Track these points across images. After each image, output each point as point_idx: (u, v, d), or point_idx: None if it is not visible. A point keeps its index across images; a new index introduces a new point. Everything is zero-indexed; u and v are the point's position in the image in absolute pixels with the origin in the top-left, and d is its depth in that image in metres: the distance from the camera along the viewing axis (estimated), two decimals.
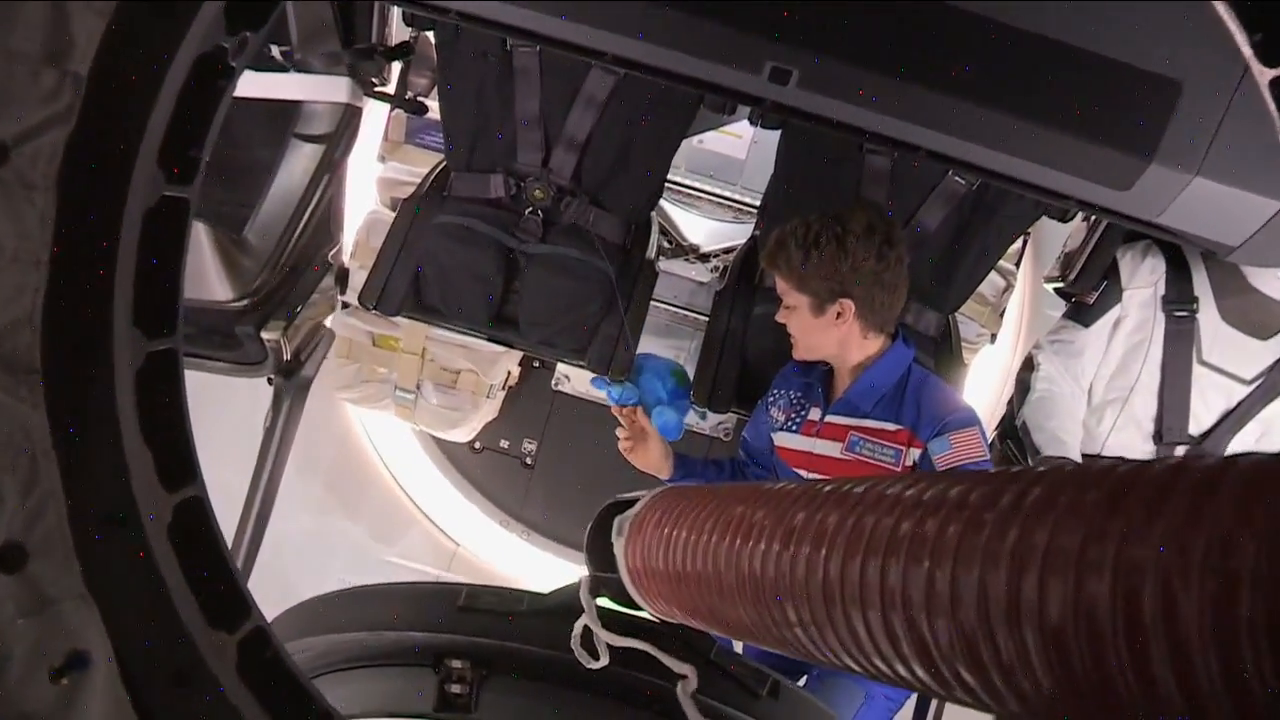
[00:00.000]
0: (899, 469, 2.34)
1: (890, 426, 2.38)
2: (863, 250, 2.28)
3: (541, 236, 2.85)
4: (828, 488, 0.89)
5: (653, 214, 3.10)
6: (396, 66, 2.97)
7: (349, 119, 2.64)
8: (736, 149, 4.08)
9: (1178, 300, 2.72)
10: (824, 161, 2.76)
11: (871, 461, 2.38)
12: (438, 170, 3.04)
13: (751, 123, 2.76)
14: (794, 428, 2.53)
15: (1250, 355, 2.73)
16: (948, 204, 2.73)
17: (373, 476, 4.62)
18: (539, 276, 2.83)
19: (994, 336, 3.99)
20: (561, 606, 1.47)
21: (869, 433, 2.39)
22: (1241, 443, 2.77)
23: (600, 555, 1.45)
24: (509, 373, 4.20)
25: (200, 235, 2.52)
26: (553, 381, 4.36)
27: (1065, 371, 2.80)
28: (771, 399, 2.64)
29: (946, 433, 2.29)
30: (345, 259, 3.18)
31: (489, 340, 3.08)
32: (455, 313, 2.96)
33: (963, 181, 2.69)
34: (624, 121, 2.74)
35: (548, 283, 2.83)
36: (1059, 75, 1.80)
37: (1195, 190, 1.84)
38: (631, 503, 1.41)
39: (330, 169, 2.64)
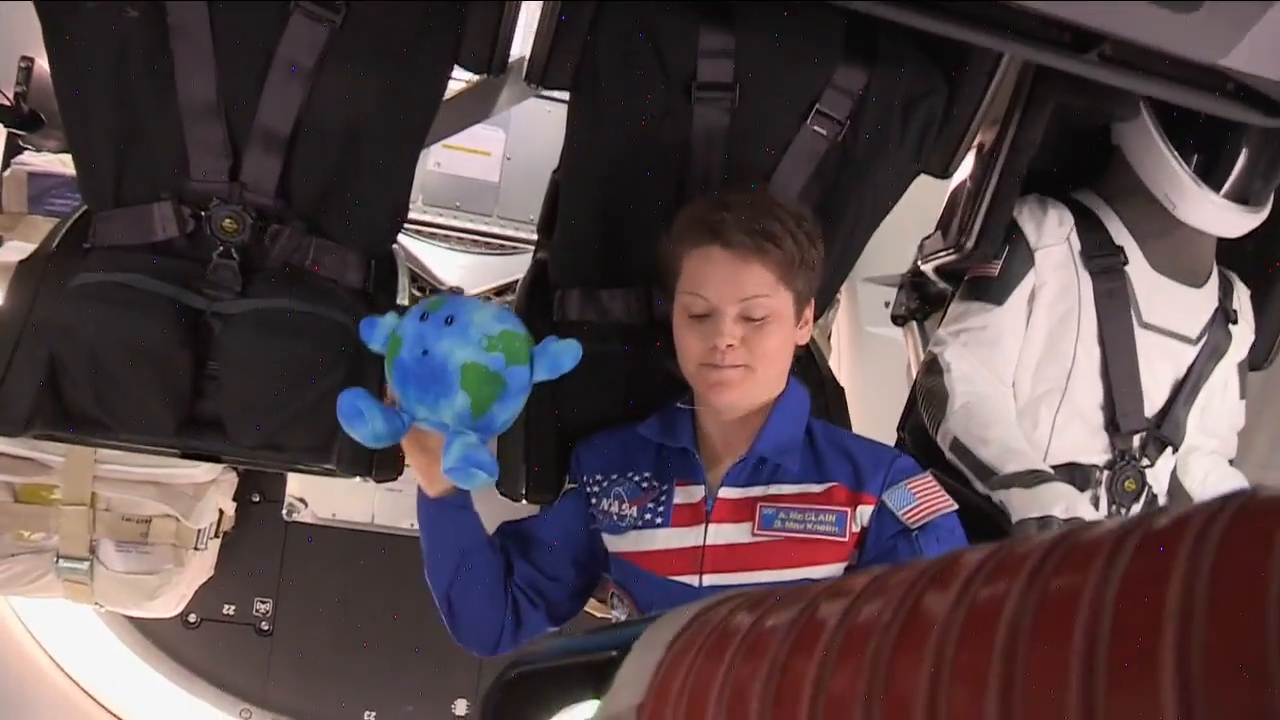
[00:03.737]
0: (845, 538, 1.69)
1: (816, 487, 1.72)
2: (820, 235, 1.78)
3: (241, 289, 1.93)
4: None
5: (395, 247, 2.24)
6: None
7: None
8: (487, 170, 3.30)
9: (1100, 252, 2.17)
10: (637, 122, 2.01)
11: (803, 536, 1.70)
12: (73, 218, 2.06)
13: (531, 80, 2.02)
14: (659, 520, 1.78)
15: (1190, 307, 2.25)
16: (808, 163, 2.05)
17: (36, 683, 3.34)
18: (245, 345, 1.90)
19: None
20: None
21: (789, 500, 1.72)
22: (1193, 420, 2.28)
23: None
24: (220, 512, 3.14)
25: None
26: (283, 510, 3.33)
27: (984, 366, 2.17)
28: (597, 487, 1.86)
29: (901, 481, 1.72)
30: None
31: (182, 455, 2.09)
32: (121, 420, 1.94)
33: (824, 132, 2.03)
34: (346, 96, 1.90)
35: (259, 352, 1.90)
36: None
37: None
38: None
39: None
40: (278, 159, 1.89)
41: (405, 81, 1.92)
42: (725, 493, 1.75)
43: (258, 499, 3.51)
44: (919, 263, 2.59)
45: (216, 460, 2.13)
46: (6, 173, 2.71)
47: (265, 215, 1.93)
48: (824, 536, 1.69)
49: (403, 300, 2.19)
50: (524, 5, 1.94)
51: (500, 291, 3.08)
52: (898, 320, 3.11)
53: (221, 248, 1.92)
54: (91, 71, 1.84)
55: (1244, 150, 2.12)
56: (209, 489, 2.92)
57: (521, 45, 2.09)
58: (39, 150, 2.64)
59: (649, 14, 1.94)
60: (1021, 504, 1.89)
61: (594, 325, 2.11)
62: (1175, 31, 1.25)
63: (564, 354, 1.63)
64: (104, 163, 1.90)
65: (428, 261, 3.10)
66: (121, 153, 1.88)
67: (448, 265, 3.13)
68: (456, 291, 2.95)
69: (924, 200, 2.31)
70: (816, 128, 2.03)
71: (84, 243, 1.95)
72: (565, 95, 2.14)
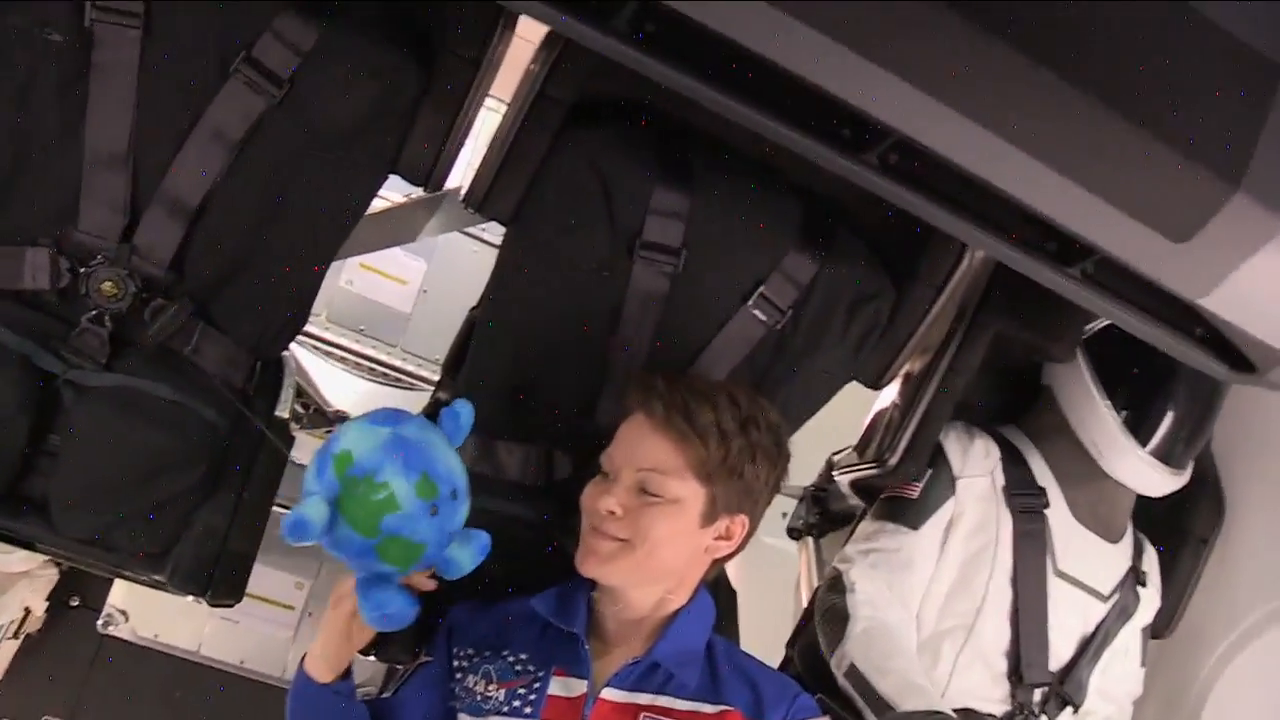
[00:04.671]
0: None
1: (709, 708, 1.59)
2: (784, 461, 1.72)
3: (107, 362, 1.72)
4: None
5: (286, 355, 2.06)
6: None
7: None
8: (401, 299, 3.17)
9: (1022, 490, 2.13)
10: (573, 269, 1.92)
11: None
12: None
13: (470, 205, 1.91)
14: (527, 709, 1.59)
15: (1105, 563, 2.20)
16: (741, 347, 1.97)
17: None
18: (96, 422, 1.70)
19: None
20: None
21: (678, 716, 1.58)
22: (1093, 682, 2.18)
23: None
24: (26, 610, 2.79)
25: None
26: (99, 620, 2.97)
27: (889, 590, 2.06)
28: (466, 661, 1.68)
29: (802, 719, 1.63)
30: None
31: None
32: None
33: (763, 317, 1.95)
34: (268, 178, 1.76)
35: (110, 433, 1.69)
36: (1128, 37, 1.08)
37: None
38: None
39: None
40: (179, 229, 1.73)
41: (336, 175, 1.79)
42: (609, 694, 1.59)
43: (76, 603, 3.15)
44: (834, 473, 2.50)
45: (30, 548, 1.86)
46: None
47: (151, 286, 1.74)
48: None
49: (282, 413, 2.01)
50: (477, 122, 1.85)
51: None
52: (793, 534, 3.01)
53: (94, 311, 1.72)
54: None
55: (1171, 411, 2.12)
56: (18, 582, 2.60)
57: (463, 171, 2.00)
58: None
59: (605, 158, 1.87)
60: None
61: (485, 479, 1.94)
62: (1163, 260, 1.20)
63: (463, 412, 1.57)
64: None
65: (318, 378, 2.90)
66: (4, 185, 1.69)
67: (340, 388, 2.94)
68: (342, 416, 2.73)
69: (834, 412, 2.24)
70: (757, 311, 1.95)
71: None
72: (494, 239, 2.04)
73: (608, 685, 1.59)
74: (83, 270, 1.71)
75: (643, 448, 1.59)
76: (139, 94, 1.66)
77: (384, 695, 1.80)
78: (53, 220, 1.71)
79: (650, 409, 1.59)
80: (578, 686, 1.60)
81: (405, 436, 1.46)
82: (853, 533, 2.30)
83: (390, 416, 1.49)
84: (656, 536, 1.57)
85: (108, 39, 1.63)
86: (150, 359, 1.75)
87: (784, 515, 3.11)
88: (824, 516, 2.91)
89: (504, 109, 1.89)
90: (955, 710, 1.99)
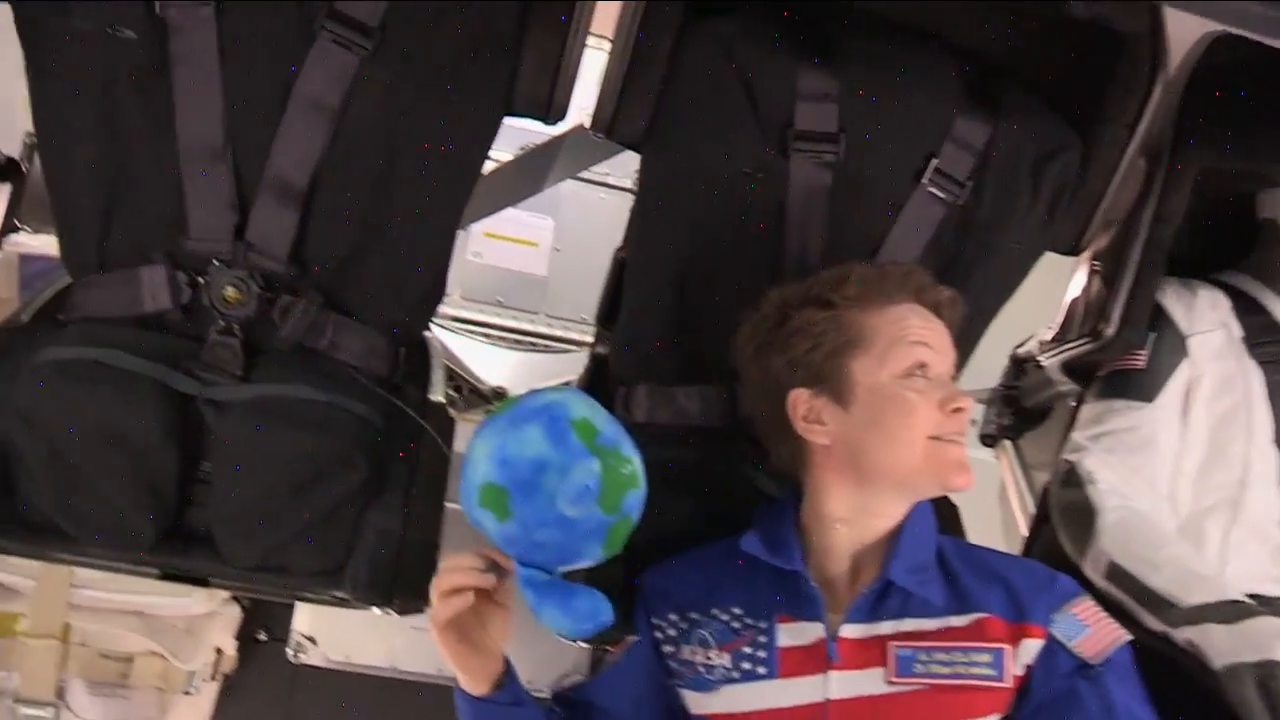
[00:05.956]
0: (1005, 683, 1.32)
1: (960, 620, 1.37)
2: None
3: (243, 373, 1.59)
4: None
5: (429, 336, 1.91)
6: None
7: None
8: (534, 263, 3.01)
9: (1266, 337, 1.88)
10: (723, 178, 1.72)
11: (954, 682, 1.33)
12: (53, 288, 1.75)
13: (597, 129, 1.73)
14: (762, 670, 1.39)
15: None
16: (924, 232, 1.75)
17: None
18: (244, 438, 1.55)
19: None
20: None
21: (931, 638, 1.36)
22: None
23: None
24: (218, 651, 2.75)
25: None
26: (289, 650, 2.91)
27: (1134, 475, 1.83)
28: (673, 630, 1.48)
29: (1066, 605, 1.37)
30: None
31: (162, 577, 1.71)
32: (88, 529, 1.58)
33: (942, 195, 1.72)
34: (376, 141, 1.61)
35: (261, 447, 1.55)
36: None
37: None
38: None
39: None
40: (292, 215, 1.59)
41: (448, 122, 1.63)
42: (849, 630, 1.37)
43: (264, 637, 3.11)
44: (1039, 359, 2.25)
45: (203, 584, 1.76)
46: None
47: (275, 284, 1.61)
48: (980, 682, 1.33)
49: (436, 397, 1.86)
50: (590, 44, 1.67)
51: None
52: (987, 440, 2.77)
53: (222, 322, 1.59)
54: (75, 106, 1.56)
55: None
56: (205, 623, 2.55)
57: (577, 115, 1.82)
58: (35, 232, 2.37)
59: (738, 46, 1.68)
60: (1226, 645, 1.49)
61: (665, 428, 1.77)
62: None
63: None
64: (87, 218, 1.60)
65: (466, 358, 2.78)
66: (108, 205, 1.59)
67: (490, 363, 2.80)
68: (501, 392, 2.59)
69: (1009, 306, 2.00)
70: (933, 189, 1.73)
71: (59, 313, 1.64)
72: (620, 181, 1.86)
73: (846, 621, 1.38)
74: (199, 279, 1.58)
75: (948, 344, 1.45)
76: (224, 77, 1.54)
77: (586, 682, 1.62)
78: (161, 233, 1.59)
79: (938, 302, 1.46)
80: (812, 631, 1.39)
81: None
82: (1074, 420, 2.05)
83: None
84: None
85: (183, 23, 1.51)
86: (287, 362, 1.62)
87: (974, 423, 2.88)
88: (1018, 416, 2.66)
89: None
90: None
